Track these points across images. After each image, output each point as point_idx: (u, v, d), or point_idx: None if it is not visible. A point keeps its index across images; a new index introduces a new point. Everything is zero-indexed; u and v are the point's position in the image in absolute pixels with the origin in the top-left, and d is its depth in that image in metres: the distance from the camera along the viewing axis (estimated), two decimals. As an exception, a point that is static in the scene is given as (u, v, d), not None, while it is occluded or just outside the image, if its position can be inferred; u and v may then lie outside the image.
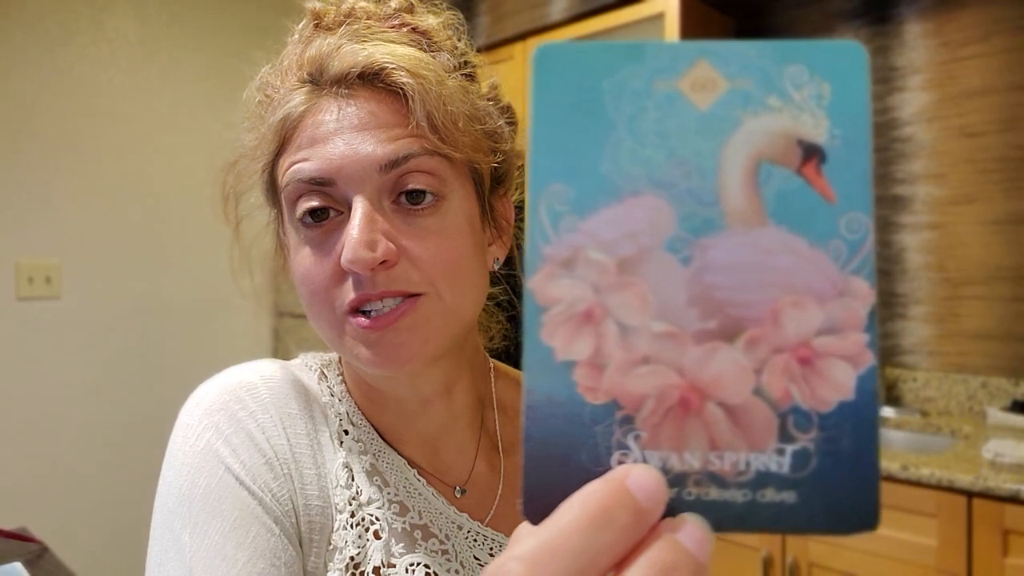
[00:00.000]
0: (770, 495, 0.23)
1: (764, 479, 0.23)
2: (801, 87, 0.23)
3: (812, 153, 0.23)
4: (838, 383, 0.22)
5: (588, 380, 0.23)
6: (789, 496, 0.23)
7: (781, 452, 0.23)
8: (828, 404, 0.22)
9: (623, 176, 0.23)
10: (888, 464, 1.51)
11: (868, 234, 0.23)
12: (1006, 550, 1.39)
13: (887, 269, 2.07)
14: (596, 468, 0.23)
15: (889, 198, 2.07)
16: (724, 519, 0.23)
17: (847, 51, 0.23)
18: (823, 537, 1.53)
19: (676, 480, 0.23)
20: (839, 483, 0.22)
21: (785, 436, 0.23)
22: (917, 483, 1.48)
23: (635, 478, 0.22)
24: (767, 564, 1.63)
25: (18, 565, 1.21)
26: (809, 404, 0.22)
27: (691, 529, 0.22)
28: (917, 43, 2.02)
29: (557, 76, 0.24)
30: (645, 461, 0.23)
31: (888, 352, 2.06)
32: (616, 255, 0.23)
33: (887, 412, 1.97)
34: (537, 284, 0.23)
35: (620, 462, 0.23)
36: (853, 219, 0.23)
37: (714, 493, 0.23)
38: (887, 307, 2.07)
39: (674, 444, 0.23)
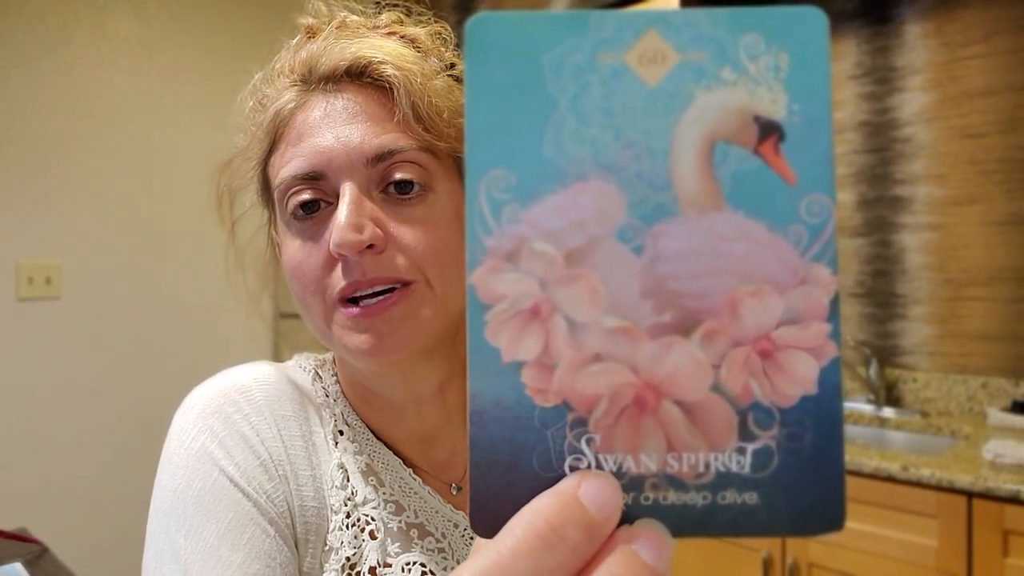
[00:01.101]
0: (731, 497, 0.21)
1: (724, 480, 0.21)
2: (757, 58, 0.21)
3: (770, 131, 0.21)
4: (800, 376, 0.21)
5: (537, 381, 0.21)
6: (751, 497, 0.21)
7: (742, 451, 0.21)
8: (790, 399, 0.21)
9: (568, 160, 0.21)
10: (888, 464, 1.51)
11: (830, 217, 0.21)
12: (1006, 550, 1.39)
13: (887, 269, 2.07)
14: (548, 474, 0.21)
15: (889, 198, 2.07)
16: (683, 524, 0.21)
17: (805, 17, 0.22)
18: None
19: (632, 484, 0.21)
20: (802, 482, 0.21)
21: (746, 434, 0.21)
22: (917, 483, 1.48)
23: (587, 489, 0.20)
24: (767, 565, 1.63)
25: (18, 565, 1.21)
26: (770, 399, 0.21)
27: (648, 538, 0.21)
28: (917, 43, 2.01)
29: (493, 50, 0.22)
30: (599, 466, 0.21)
31: (888, 352, 2.06)
32: (563, 246, 0.21)
33: (887, 412, 1.97)
34: (479, 279, 0.21)
35: (573, 467, 0.21)
36: (814, 201, 0.21)
37: (672, 497, 0.21)
38: (887, 307, 2.07)
39: (629, 446, 0.21)
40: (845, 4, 2.13)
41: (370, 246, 0.48)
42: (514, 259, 0.21)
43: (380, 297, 0.49)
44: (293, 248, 0.51)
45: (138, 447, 2.35)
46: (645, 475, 0.21)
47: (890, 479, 1.51)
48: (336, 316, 0.50)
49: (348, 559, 0.51)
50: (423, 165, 0.51)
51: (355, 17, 0.56)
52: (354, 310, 0.49)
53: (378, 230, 0.48)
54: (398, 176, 0.50)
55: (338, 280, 0.49)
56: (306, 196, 0.50)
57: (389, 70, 0.50)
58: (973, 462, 1.50)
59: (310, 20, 0.56)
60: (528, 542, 0.19)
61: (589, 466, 0.21)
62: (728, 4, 2.17)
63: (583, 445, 0.21)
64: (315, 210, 0.50)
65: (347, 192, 0.49)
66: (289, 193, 0.51)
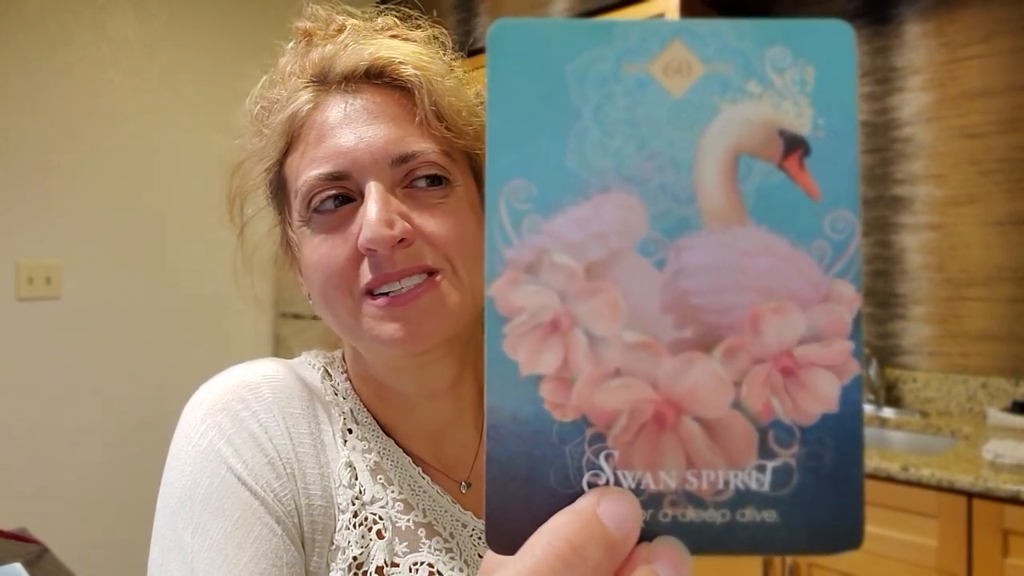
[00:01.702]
0: (750, 515, 0.21)
1: (744, 498, 0.21)
2: (783, 71, 0.21)
3: (795, 145, 0.21)
4: (822, 395, 0.21)
5: (555, 396, 0.21)
6: (770, 515, 0.21)
7: (761, 469, 0.21)
8: (811, 417, 0.21)
9: (590, 170, 0.21)
10: (888, 464, 1.51)
11: (854, 234, 0.21)
12: (1006, 550, 1.39)
13: (887, 269, 2.07)
14: (566, 491, 0.21)
15: (889, 198, 2.07)
16: (702, 541, 0.21)
17: (833, 31, 0.21)
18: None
19: (651, 501, 0.21)
20: (822, 501, 0.21)
21: (766, 452, 0.21)
22: (917, 484, 1.48)
23: (607, 507, 0.20)
24: (767, 564, 1.63)
25: (18, 565, 1.21)
26: (791, 417, 0.21)
27: (668, 557, 0.20)
28: (917, 43, 2.01)
29: (516, 57, 0.21)
30: (618, 482, 0.21)
31: (888, 352, 2.06)
32: (584, 259, 0.21)
33: (887, 412, 1.97)
34: (498, 291, 0.21)
35: (591, 484, 0.21)
36: (838, 217, 0.21)
37: (691, 514, 0.21)
38: (887, 307, 2.07)
39: (648, 463, 0.21)
40: (845, 4, 2.13)
41: (400, 240, 0.49)
42: (534, 271, 0.21)
43: (408, 288, 0.49)
44: (316, 244, 0.52)
45: (138, 447, 2.35)
46: (664, 492, 0.21)
47: (890, 479, 1.51)
48: (364, 308, 0.50)
49: (355, 559, 0.51)
50: (443, 164, 0.52)
51: (355, 21, 0.56)
52: (382, 300, 0.49)
53: (406, 224, 0.49)
54: (424, 172, 0.51)
55: (365, 275, 0.50)
56: (331, 192, 0.51)
57: (409, 70, 0.51)
58: (973, 462, 1.50)
59: (307, 24, 0.56)
60: (548, 562, 0.19)
61: (607, 483, 0.21)
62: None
63: (601, 461, 0.21)
64: (339, 204, 0.51)
65: (373, 190, 0.49)
66: (313, 193, 0.51)
